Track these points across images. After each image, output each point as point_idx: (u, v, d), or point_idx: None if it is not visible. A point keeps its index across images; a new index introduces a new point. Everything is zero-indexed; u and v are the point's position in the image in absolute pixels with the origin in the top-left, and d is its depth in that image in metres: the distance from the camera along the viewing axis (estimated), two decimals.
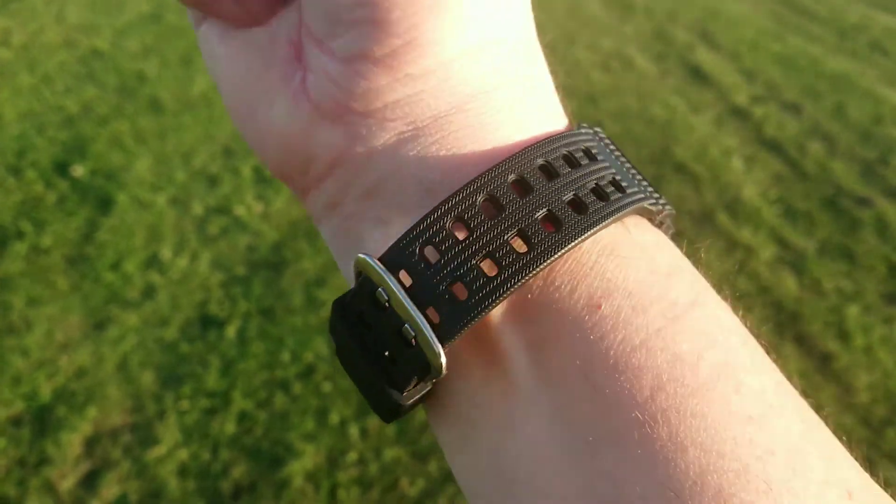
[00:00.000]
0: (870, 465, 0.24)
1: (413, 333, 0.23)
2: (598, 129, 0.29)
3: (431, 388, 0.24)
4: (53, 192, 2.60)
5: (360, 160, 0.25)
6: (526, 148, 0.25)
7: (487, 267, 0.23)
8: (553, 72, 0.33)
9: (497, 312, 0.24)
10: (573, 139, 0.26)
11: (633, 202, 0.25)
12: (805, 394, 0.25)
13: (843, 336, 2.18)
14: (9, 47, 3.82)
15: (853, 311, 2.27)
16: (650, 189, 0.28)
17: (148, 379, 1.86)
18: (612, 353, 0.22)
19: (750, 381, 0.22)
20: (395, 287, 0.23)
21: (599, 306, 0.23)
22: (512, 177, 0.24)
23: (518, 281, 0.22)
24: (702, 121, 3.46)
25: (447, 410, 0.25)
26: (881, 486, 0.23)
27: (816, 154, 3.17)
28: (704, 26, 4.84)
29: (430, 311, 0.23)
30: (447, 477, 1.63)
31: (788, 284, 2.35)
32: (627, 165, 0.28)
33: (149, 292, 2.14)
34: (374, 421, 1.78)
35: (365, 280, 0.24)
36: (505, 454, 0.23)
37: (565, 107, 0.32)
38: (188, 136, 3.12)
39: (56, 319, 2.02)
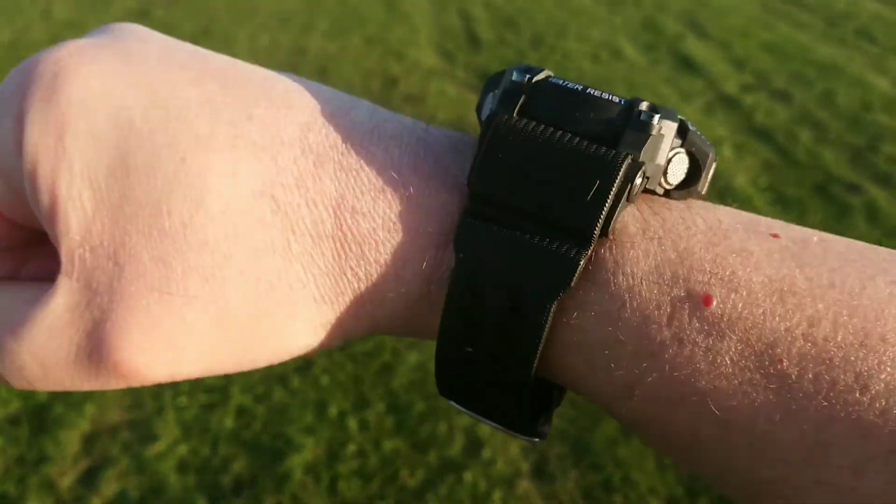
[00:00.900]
0: None
1: None
2: None
3: None
4: None
5: None
6: None
7: None
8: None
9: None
10: None
11: None
12: None
13: None
14: None
15: None
16: None
17: None
18: None
19: None
20: None
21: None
22: None
23: None
24: (692, 110, 3.47)
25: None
26: None
27: (806, 141, 3.19)
28: (693, 15, 4.85)
29: None
30: (447, 467, 1.64)
31: None
32: None
33: None
34: (372, 413, 1.79)
35: None
36: None
37: None
38: None
39: None
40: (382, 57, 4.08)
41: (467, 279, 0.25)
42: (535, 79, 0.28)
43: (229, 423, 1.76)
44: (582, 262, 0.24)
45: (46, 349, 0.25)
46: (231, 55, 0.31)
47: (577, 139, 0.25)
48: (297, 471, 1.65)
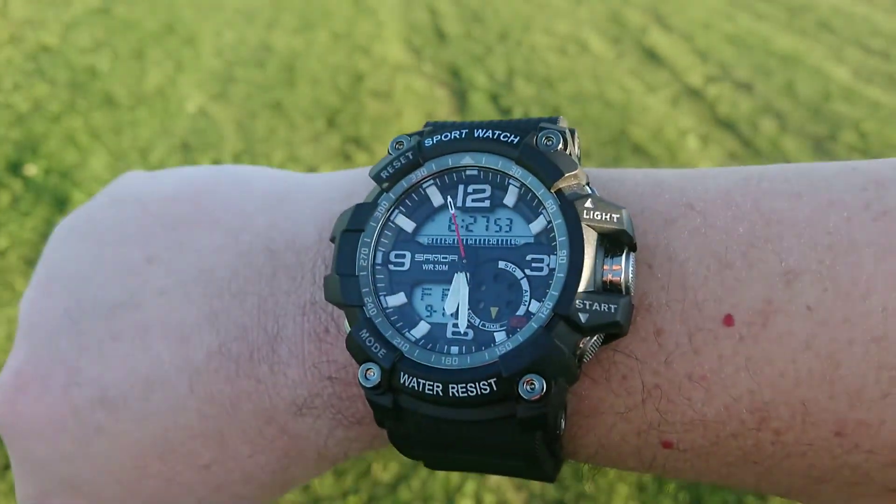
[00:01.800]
0: None
1: None
2: None
3: None
4: (7, 193, 2.55)
5: None
6: None
7: None
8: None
9: None
10: None
11: None
12: None
13: None
14: None
15: None
16: None
17: None
18: None
19: None
20: None
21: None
22: None
23: None
24: (657, 102, 3.51)
25: None
26: None
27: (769, 131, 3.25)
28: (657, 8, 4.91)
29: None
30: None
31: None
32: None
33: None
34: None
35: None
36: None
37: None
38: (144, 131, 3.07)
39: (16, 321, 1.99)
40: (349, 53, 4.06)
41: None
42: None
43: None
44: None
45: None
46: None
47: None
48: None
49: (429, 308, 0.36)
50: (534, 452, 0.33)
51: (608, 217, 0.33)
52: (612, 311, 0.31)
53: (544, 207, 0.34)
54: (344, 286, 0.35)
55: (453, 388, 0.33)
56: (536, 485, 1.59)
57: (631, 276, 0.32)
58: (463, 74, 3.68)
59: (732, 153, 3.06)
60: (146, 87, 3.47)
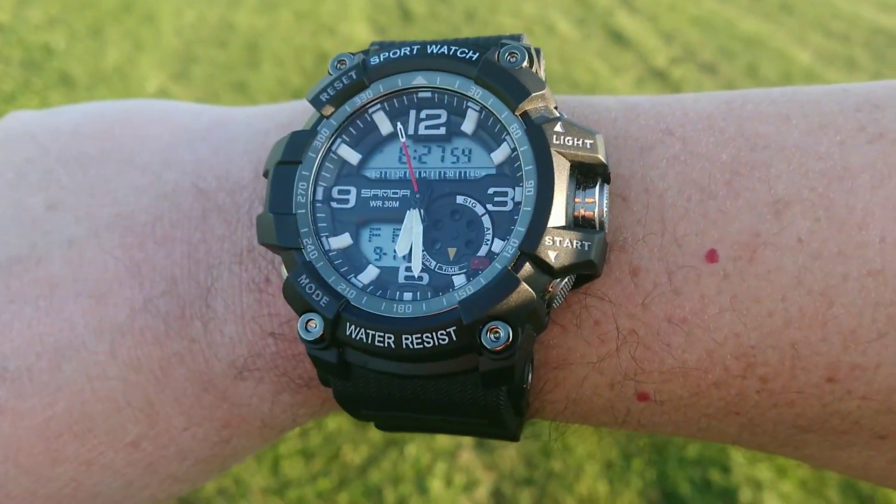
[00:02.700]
0: None
1: None
2: None
3: None
4: None
5: None
6: None
7: None
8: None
9: None
10: None
11: None
12: None
13: None
14: None
15: None
16: None
17: None
18: None
19: None
20: None
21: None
22: None
23: None
24: (623, 83, 3.53)
25: None
26: None
27: None
28: None
29: None
30: (389, 443, 1.65)
31: None
32: None
33: None
34: None
35: None
36: None
37: None
38: None
39: None
40: (314, 32, 4.00)
41: None
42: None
43: None
44: None
45: None
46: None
47: None
48: None
49: (378, 250, 0.32)
50: (497, 410, 0.30)
51: (580, 143, 0.29)
52: (586, 248, 0.28)
53: (508, 133, 0.31)
54: (279, 226, 0.31)
55: (407, 339, 0.29)
56: (506, 464, 1.60)
57: (605, 209, 0.29)
58: None
59: None
60: (104, 66, 3.38)
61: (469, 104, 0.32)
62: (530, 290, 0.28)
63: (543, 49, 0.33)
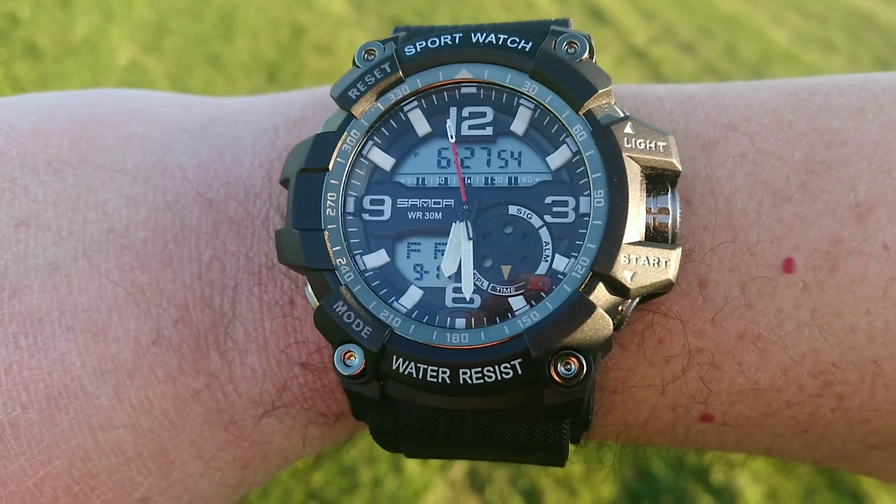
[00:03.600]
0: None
1: None
2: None
3: None
4: None
5: None
6: None
7: None
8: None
9: None
10: None
11: None
12: None
13: None
14: None
15: None
16: None
17: None
18: None
19: None
20: None
21: None
22: None
23: None
24: (602, 62, 3.50)
25: None
26: None
27: None
28: None
29: None
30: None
31: None
32: None
33: None
34: None
35: None
36: None
37: None
38: (72, 84, 2.91)
39: None
40: (290, 5, 3.92)
41: None
42: None
43: None
44: None
45: None
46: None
47: None
48: None
49: (418, 268, 0.28)
50: (560, 445, 0.27)
51: (653, 146, 0.26)
52: (664, 266, 0.25)
53: (569, 134, 0.27)
54: (307, 244, 0.26)
55: (465, 373, 0.25)
56: None
57: (678, 219, 0.25)
58: None
59: None
60: (73, 37, 3.29)
61: (521, 101, 0.28)
62: (607, 316, 0.25)
63: None
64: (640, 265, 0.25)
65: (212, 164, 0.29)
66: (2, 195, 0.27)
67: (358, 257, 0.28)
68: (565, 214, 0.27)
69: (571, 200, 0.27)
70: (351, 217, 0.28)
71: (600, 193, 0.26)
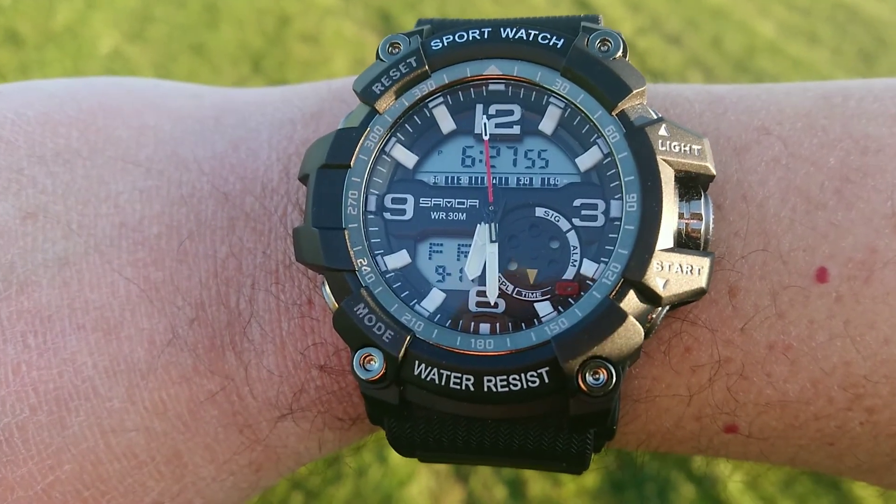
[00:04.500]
0: None
1: None
2: None
3: None
4: None
5: None
6: None
7: None
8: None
9: None
10: None
11: None
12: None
13: None
14: None
15: None
16: None
17: None
18: None
19: None
20: None
21: None
22: None
23: None
24: None
25: None
26: None
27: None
28: None
29: None
30: None
31: None
32: None
33: None
34: None
35: None
36: None
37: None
38: (54, 72, 2.88)
39: None
40: None
41: None
42: None
43: None
44: None
45: None
46: None
47: None
48: None
49: (440, 270, 0.27)
50: (583, 455, 0.27)
51: (687, 149, 0.25)
52: (697, 273, 0.24)
53: (601, 135, 0.26)
54: (327, 244, 0.26)
55: (489, 380, 0.25)
56: None
57: (711, 225, 0.25)
58: (394, 20, 3.59)
59: None
60: (54, 24, 3.25)
61: (551, 100, 0.28)
62: (638, 324, 0.24)
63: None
64: (673, 273, 0.24)
65: (227, 157, 0.28)
66: (8, 186, 0.26)
67: (379, 258, 0.27)
68: (594, 218, 0.26)
69: (601, 203, 0.26)
70: (372, 216, 0.28)
71: (633, 197, 0.25)
